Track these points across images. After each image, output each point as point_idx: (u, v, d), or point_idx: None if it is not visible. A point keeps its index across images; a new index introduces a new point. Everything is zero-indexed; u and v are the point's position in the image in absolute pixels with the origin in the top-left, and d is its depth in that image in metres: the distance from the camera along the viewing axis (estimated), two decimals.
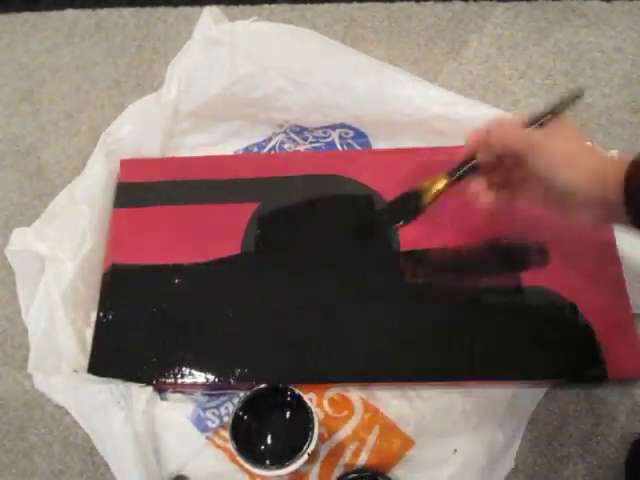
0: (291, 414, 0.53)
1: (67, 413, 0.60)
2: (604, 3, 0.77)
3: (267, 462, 0.50)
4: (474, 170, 0.52)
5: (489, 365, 0.56)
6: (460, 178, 0.52)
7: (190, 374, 0.58)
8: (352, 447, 0.57)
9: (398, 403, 0.58)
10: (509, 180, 0.51)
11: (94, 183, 0.66)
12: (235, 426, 0.51)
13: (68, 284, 0.61)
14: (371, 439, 0.57)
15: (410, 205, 0.55)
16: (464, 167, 0.52)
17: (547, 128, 0.48)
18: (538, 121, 0.48)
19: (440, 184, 0.53)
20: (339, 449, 0.57)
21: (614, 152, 0.67)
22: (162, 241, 0.64)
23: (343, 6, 0.82)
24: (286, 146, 0.71)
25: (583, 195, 0.45)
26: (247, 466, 0.50)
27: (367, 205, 0.64)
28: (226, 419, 0.58)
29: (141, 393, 0.58)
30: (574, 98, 0.49)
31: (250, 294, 0.61)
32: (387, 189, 0.63)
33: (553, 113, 0.48)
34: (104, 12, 0.84)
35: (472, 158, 0.51)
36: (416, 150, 0.67)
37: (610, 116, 0.71)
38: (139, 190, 0.67)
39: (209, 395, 0.59)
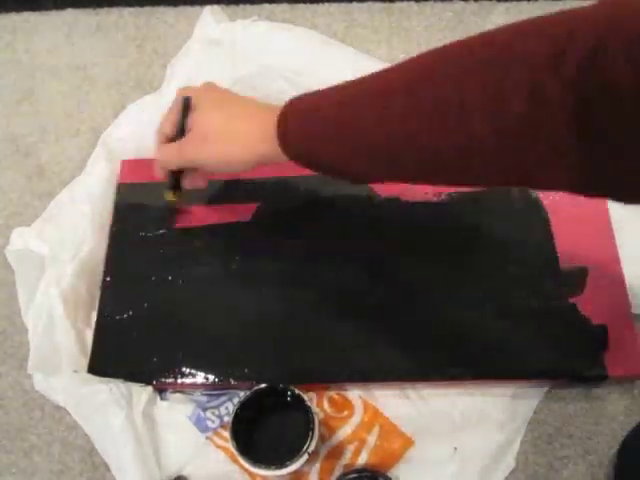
0: (291, 414, 0.53)
1: (67, 413, 0.60)
2: None
3: (267, 462, 0.50)
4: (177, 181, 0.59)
5: (489, 365, 0.56)
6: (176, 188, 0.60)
7: (190, 374, 0.58)
8: (352, 447, 0.57)
9: (398, 403, 0.58)
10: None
11: (94, 183, 0.66)
12: (235, 426, 0.51)
13: (68, 284, 0.61)
14: (371, 439, 0.57)
15: None
16: (171, 186, 0.59)
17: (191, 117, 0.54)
18: (179, 131, 0.56)
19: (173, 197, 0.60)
20: (339, 449, 0.57)
21: None
22: (161, 242, 0.64)
23: (343, 6, 0.82)
24: None
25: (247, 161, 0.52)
26: (247, 466, 0.50)
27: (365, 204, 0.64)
28: (226, 419, 0.58)
29: (141, 393, 0.58)
30: (186, 101, 0.55)
31: (250, 294, 0.61)
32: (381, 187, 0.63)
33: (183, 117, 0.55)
34: (104, 12, 0.84)
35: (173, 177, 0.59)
36: None
37: None
38: (139, 190, 0.67)
39: (209, 395, 0.59)
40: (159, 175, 0.59)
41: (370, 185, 0.64)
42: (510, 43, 0.37)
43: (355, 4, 0.82)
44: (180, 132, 0.55)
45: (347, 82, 0.45)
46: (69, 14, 0.85)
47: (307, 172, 0.57)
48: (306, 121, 0.46)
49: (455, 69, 0.38)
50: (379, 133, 0.41)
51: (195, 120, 0.54)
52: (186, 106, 0.55)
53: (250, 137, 0.50)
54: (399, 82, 0.41)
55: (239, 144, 0.51)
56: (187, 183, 0.59)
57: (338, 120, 0.44)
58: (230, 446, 0.50)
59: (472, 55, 0.38)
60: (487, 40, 0.38)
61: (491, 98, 0.36)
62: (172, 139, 0.56)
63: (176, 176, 0.58)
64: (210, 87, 0.57)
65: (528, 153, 0.36)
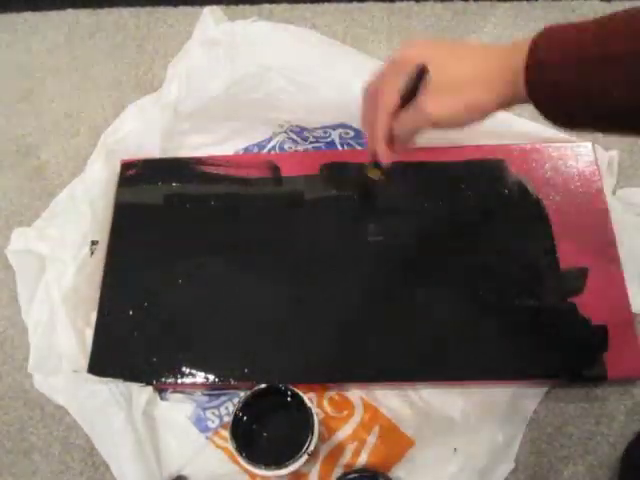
0: (291, 414, 0.53)
1: (67, 413, 0.60)
2: (604, 3, 0.78)
3: (267, 462, 0.50)
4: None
5: (489, 365, 0.56)
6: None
7: (190, 374, 0.58)
8: (352, 447, 0.57)
9: (398, 403, 0.58)
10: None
11: (94, 183, 0.66)
12: (235, 426, 0.51)
13: (68, 284, 0.61)
14: (371, 439, 0.57)
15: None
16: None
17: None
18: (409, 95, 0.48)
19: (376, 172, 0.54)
20: (339, 449, 0.57)
21: (614, 152, 0.67)
22: (161, 242, 0.64)
23: (343, 6, 0.82)
24: (286, 146, 0.71)
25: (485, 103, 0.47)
26: (247, 466, 0.50)
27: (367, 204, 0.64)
28: (226, 419, 0.58)
29: (141, 393, 0.58)
30: (422, 74, 0.48)
31: (250, 295, 0.61)
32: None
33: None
34: (104, 12, 0.85)
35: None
36: (417, 150, 0.67)
37: None
38: (139, 190, 0.67)
39: (209, 395, 0.59)
40: (390, 152, 0.51)
41: (373, 186, 0.64)
42: None
43: (355, 4, 0.82)
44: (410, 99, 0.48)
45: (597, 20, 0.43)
46: (69, 14, 0.85)
47: (308, 171, 0.57)
48: (565, 52, 0.42)
49: None
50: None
51: (430, 78, 0.47)
52: (420, 75, 0.48)
53: (490, 77, 0.46)
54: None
55: (481, 88, 0.46)
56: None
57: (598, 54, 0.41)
58: (230, 446, 0.50)
59: None
60: None
61: None
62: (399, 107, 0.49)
63: None
64: (429, 42, 0.50)
65: None
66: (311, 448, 0.50)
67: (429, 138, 0.52)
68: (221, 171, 0.68)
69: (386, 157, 0.51)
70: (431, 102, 0.47)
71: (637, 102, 0.39)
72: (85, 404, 0.59)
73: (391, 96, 0.48)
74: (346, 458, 0.57)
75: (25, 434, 0.61)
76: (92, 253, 0.63)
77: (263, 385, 0.52)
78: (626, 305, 0.58)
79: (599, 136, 0.70)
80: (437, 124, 0.48)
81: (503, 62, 0.45)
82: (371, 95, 0.50)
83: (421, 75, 0.47)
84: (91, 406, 0.58)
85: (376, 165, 0.53)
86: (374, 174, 0.54)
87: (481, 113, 0.47)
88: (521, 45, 0.43)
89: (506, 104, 0.46)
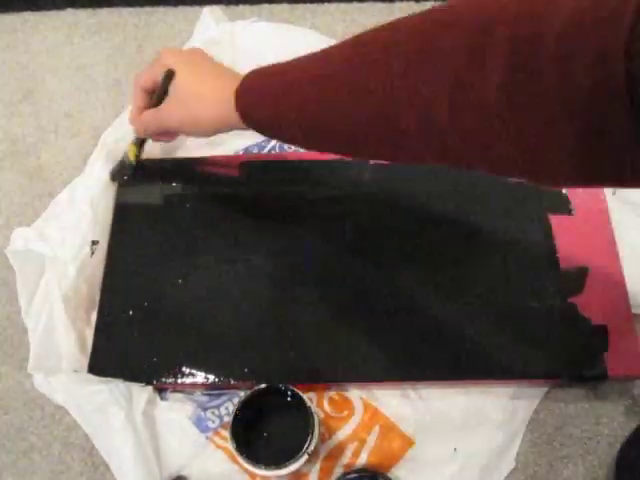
0: (291, 414, 0.53)
1: (67, 413, 0.60)
2: None
3: (267, 462, 0.50)
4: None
5: (489, 365, 0.56)
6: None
7: (190, 374, 0.58)
8: (352, 447, 0.57)
9: (398, 403, 0.58)
10: None
11: (94, 183, 0.66)
12: (235, 426, 0.51)
13: (69, 284, 0.61)
14: (371, 439, 0.57)
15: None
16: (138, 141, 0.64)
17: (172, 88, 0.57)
18: (158, 97, 0.58)
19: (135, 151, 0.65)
20: (339, 449, 0.57)
21: None
22: (162, 242, 0.64)
23: (343, 6, 0.82)
24: (286, 146, 0.71)
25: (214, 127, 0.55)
26: (247, 466, 0.50)
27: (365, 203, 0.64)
28: (226, 419, 0.58)
29: (141, 393, 0.58)
30: (169, 77, 0.57)
31: (251, 294, 0.61)
32: None
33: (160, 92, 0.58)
34: (104, 12, 0.84)
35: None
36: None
37: None
38: (139, 190, 0.67)
39: (209, 395, 0.59)
40: (140, 134, 0.63)
41: (372, 185, 0.65)
42: (432, 34, 0.37)
43: (355, 4, 0.82)
44: (158, 102, 0.59)
45: (301, 57, 0.49)
46: (69, 14, 0.85)
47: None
48: (259, 81, 0.50)
49: (379, 59, 0.40)
50: (314, 110, 0.45)
51: (173, 86, 0.57)
52: (168, 78, 0.57)
53: (214, 98, 0.53)
54: (335, 65, 0.44)
55: (203, 105, 0.54)
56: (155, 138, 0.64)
57: (284, 87, 0.47)
58: (230, 446, 0.50)
59: (397, 46, 0.39)
60: (412, 28, 0.41)
61: (416, 93, 0.37)
62: (151, 105, 0.59)
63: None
64: (190, 52, 0.60)
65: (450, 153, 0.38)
66: (311, 448, 0.50)
67: None
68: (221, 171, 0.68)
69: (137, 131, 0.63)
70: (167, 109, 0.57)
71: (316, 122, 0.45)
72: (85, 404, 0.58)
73: (144, 80, 0.59)
74: (346, 458, 0.57)
75: (25, 434, 0.61)
76: (92, 253, 0.63)
77: (263, 385, 0.52)
78: (626, 305, 0.58)
79: None
80: (170, 129, 0.59)
81: (227, 88, 0.51)
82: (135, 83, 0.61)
83: (170, 78, 0.57)
84: (91, 406, 0.58)
85: (135, 142, 0.64)
86: (132, 152, 0.64)
87: (206, 128, 0.56)
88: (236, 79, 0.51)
89: (227, 124, 0.53)
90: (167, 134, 0.63)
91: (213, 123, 0.54)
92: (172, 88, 0.57)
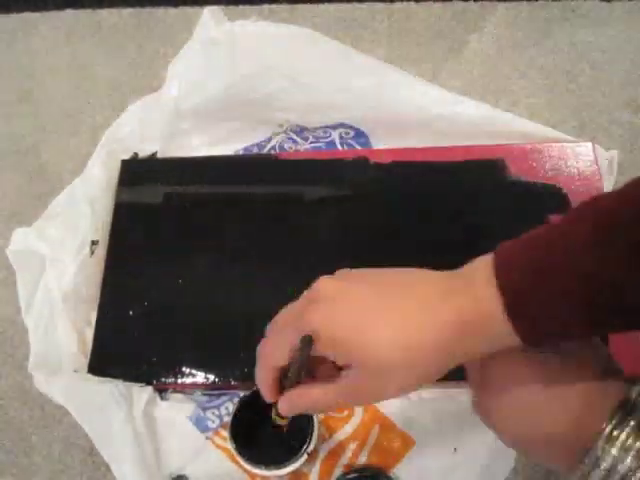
0: None
1: (67, 413, 0.60)
2: (604, 3, 0.77)
3: (267, 462, 0.50)
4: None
5: None
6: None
7: (190, 374, 0.58)
8: (352, 447, 0.57)
9: (398, 403, 0.58)
10: None
11: (95, 183, 0.66)
12: (235, 426, 0.51)
13: (69, 284, 0.61)
14: (371, 439, 0.57)
15: None
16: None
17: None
18: (292, 377, 0.39)
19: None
20: (339, 449, 0.57)
21: (614, 152, 0.67)
22: (162, 242, 0.64)
23: (343, 6, 0.82)
24: (286, 146, 0.71)
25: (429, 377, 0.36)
26: (247, 466, 0.50)
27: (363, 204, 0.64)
28: (226, 419, 0.58)
29: (141, 393, 0.58)
30: (307, 344, 0.37)
31: (251, 294, 0.61)
32: None
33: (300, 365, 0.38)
34: (104, 12, 0.84)
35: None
36: (417, 150, 0.67)
37: (610, 116, 0.71)
38: (139, 190, 0.67)
39: (209, 395, 0.59)
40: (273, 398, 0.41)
41: (371, 185, 0.65)
42: None
43: (355, 4, 0.82)
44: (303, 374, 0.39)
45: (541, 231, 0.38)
46: (69, 14, 0.85)
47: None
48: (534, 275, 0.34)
49: None
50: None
51: (359, 357, 0.35)
52: (308, 345, 0.37)
53: (423, 355, 0.35)
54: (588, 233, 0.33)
55: (407, 371, 0.35)
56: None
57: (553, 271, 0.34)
58: (230, 446, 0.50)
59: None
60: None
61: None
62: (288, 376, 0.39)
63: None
64: (342, 295, 0.38)
65: None
66: (311, 448, 0.50)
67: None
68: (221, 171, 0.68)
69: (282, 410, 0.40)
70: (351, 395, 0.37)
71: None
72: (85, 404, 0.58)
73: (276, 359, 0.39)
74: (346, 458, 0.57)
75: (25, 434, 0.61)
76: (92, 253, 0.63)
77: None
78: None
79: (598, 136, 0.70)
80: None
81: (438, 334, 0.34)
82: (273, 331, 0.42)
83: (309, 345, 0.36)
84: (91, 406, 0.58)
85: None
86: (281, 421, 0.43)
87: (411, 391, 0.37)
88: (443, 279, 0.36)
89: (440, 375, 0.36)
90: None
91: (423, 382, 0.36)
92: (353, 361, 0.35)
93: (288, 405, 0.39)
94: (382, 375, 0.35)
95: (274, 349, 0.39)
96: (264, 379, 0.39)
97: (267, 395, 0.40)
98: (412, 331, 0.35)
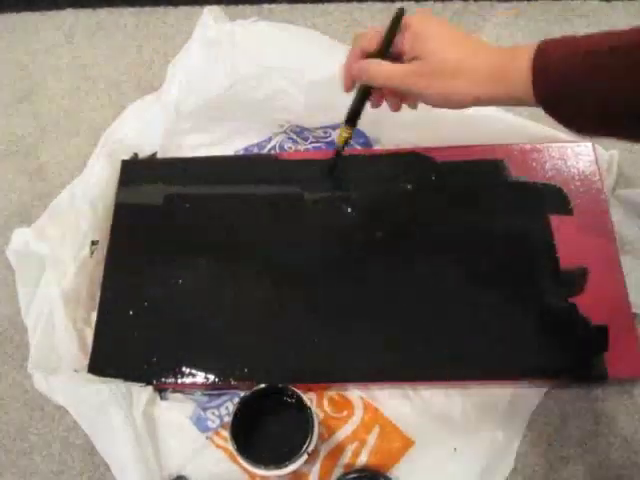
0: (291, 414, 0.53)
1: (67, 413, 0.60)
2: (604, 3, 0.77)
3: (267, 462, 0.50)
4: (364, 103, 0.55)
5: (489, 365, 0.56)
6: (356, 118, 0.57)
7: (190, 374, 0.58)
8: (352, 447, 0.57)
9: (398, 403, 0.58)
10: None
11: (95, 183, 0.66)
12: (235, 426, 0.51)
13: (68, 284, 0.61)
14: (371, 439, 0.57)
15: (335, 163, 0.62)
16: (356, 108, 0.56)
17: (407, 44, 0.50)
18: (386, 48, 0.51)
19: (346, 132, 0.58)
20: (339, 449, 0.57)
21: (614, 152, 0.67)
22: (162, 242, 0.64)
23: (343, 6, 0.82)
24: (286, 146, 0.71)
25: (484, 99, 0.48)
26: (247, 466, 0.50)
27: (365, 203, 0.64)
28: (226, 419, 0.58)
29: (141, 393, 0.58)
30: (399, 17, 0.51)
31: (251, 294, 0.61)
32: None
33: (392, 35, 0.51)
34: (104, 12, 0.85)
35: (363, 95, 0.55)
36: (416, 150, 0.67)
37: None
38: (139, 190, 0.67)
39: (209, 395, 0.59)
40: (347, 86, 0.54)
41: (370, 185, 0.65)
42: None
43: (355, 4, 0.82)
44: (386, 49, 0.51)
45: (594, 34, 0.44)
46: (69, 14, 0.85)
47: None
48: (568, 59, 0.43)
49: None
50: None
51: (430, 52, 0.48)
52: (397, 20, 0.51)
53: (478, 74, 0.47)
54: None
55: (464, 82, 0.47)
56: (374, 104, 0.55)
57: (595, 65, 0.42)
58: (230, 446, 0.50)
59: None
60: None
61: None
62: (372, 55, 0.51)
63: (364, 99, 0.55)
64: (435, 19, 0.51)
65: None
66: (311, 448, 0.50)
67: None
68: (221, 171, 0.68)
69: (348, 87, 0.54)
70: (412, 73, 0.49)
71: None
72: (85, 404, 0.58)
73: (362, 39, 0.52)
74: (346, 458, 0.57)
75: (25, 434, 0.61)
76: (92, 253, 0.63)
77: (263, 385, 0.52)
78: (626, 305, 0.58)
79: None
80: (407, 94, 0.52)
81: (494, 60, 0.47)
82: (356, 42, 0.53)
83: (399, 19, 0.50)
84: (91, 406, 0.58)
85: (347, 122, 0.56)
86: (345, 134, 0.57)
87: (458, 103, 0.49)
88: (518, 50, 0.45)
89: (486, 102, 0.48)
90: (399, 96, 0.54)
91: (473, 100, 0.48)
92: (430, 55, 0.48)
93: (358, 68, 0.51)
94: (438, 71, 0.48)
95: (368, 32, 0.52)
96: (350, 54, 0.53)
97: (349, 59, 0.53)
98: (471, 57, 0.48)
